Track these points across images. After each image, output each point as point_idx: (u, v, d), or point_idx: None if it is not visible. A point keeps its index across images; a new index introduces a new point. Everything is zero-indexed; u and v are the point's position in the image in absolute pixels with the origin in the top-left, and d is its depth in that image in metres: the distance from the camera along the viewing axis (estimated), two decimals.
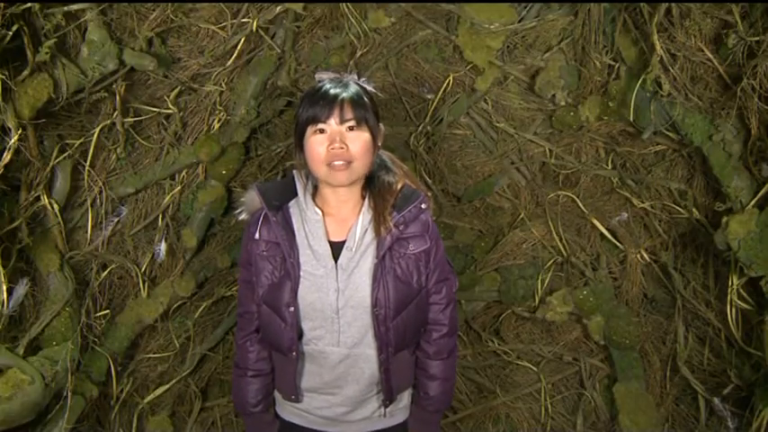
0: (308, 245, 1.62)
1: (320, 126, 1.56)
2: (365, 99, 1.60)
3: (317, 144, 1.56)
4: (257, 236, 1.64)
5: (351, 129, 1.56)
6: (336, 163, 1.55)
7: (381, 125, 1.67)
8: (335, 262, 1.60)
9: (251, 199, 1.70)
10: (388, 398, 1.70)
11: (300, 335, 1.65)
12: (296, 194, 1.68)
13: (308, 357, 1.67)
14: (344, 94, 1.56)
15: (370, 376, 1.67)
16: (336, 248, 1.62)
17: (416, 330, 1.71)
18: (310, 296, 1.60)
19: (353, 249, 1.61)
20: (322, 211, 1.64)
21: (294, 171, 1.70)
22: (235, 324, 3.01)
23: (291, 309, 1.60)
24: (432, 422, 1.81)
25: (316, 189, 1.68)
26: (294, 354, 1.64)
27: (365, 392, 1.69)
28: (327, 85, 1.59)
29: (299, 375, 1.69)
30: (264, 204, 1.63)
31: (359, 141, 1.56)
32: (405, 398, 1.78)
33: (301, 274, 1.60)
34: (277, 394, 1.79)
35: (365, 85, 1.66)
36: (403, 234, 1.62)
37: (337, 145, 1.54)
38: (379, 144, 1.66)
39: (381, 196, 1.64)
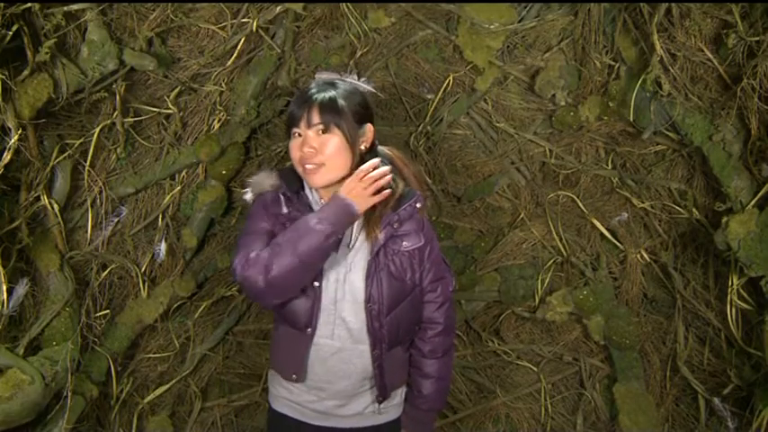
0: None
1: (295, 129, 1.62)
2: (340, 102, 1.60)
3: (295, 147, 1.63)
4: (285, 210, 1.65)
5: (322, 131, 1.60)
6: (308, 166, 1.60)
7: (368, 126, 1.67)
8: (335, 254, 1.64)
9: (261, 180, 1.73)
10: (382, 394, 1.71)
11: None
12: (302, 184, 1.71)
13: None
14: (317, 97, 1.60)
15: (362, 372, 1.68)
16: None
17: (410, 327, 1.73)
18: (326, 275, 1.64)
19: (349, 246, 1.65)
20: None
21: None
22: (235, 323, 3.04)
23: (316, 283, 1.62)
24: (425, 421, 1.81)
25: None
26: (310, 330, 1.64)
27: (356, 388, 1.70)
28: (311, 88, 1.65)
29: (308, 353, 1.67)
30: (286, 187, 1.67)
31: (329, 144, 1.59)
32: (398, 395, 1.79)
33: None
34: (273, 387, 1.79)
35: (359, 85, 1.69)
36: (397, 232, 1.66)
37: (306, 149, 1.59)
38: (362, 147, 1.66)
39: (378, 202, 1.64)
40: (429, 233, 1.73)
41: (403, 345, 1.74)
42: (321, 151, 1.59)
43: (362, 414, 1.73)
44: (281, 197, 1.67)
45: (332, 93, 1.62)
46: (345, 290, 1.63)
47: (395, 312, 1.65)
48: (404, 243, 1.67)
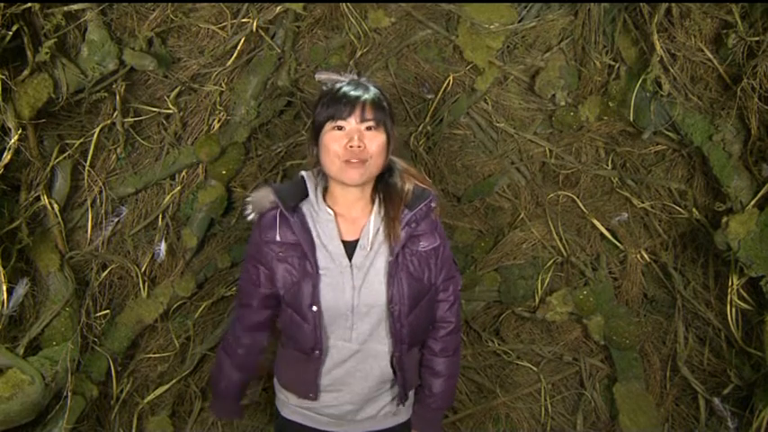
0: (321, 244, 1.63)
1: (339, 123, 1.58)
2: (384, 103, 1.63)
3: (334, 140, 1.58)
4: (278, 238, 1.63)
5: (369, 129, 1.59)
6: (352, 160, 1.57)
7: (396, 130, 1.69)
8: (350, 260, 1.62)
9: (260, 198, 1.70)
10: (403, 394, 1.72)
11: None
12: (306, 195, 1.69)
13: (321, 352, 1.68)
14: (366, 96, 1.60)
15: (380, 374, 1.68)
16: (349, 248, 1.64)
17: (427, 327, 1.74)
18: (327, 295, 1.62)
19: (368, 248, 1.63)
20: (333, 212, 1.66)
21: (304, 172, 1.72)
22: None
23: (314, 308, 1.61)
24: (435, 420, 1.83)
25: (325, 190, 1.70)
26: (317, 352, 1.64)
27: (373, 390, 1.70)
28: (347, 87, 1.62)
29: (319, 374, 1.68)
30: (282, 206, 1.63)
31: (376, 141, 1.59)
32: (410, 396, 1.80)
33: (320, 272, 1.62)
34: (282, 394, 1.79)
35: (381, 88, 1.70)
36: (415, 232, 1.66)
37: (355, 143, 1.56)
38: (393, 147, 1.68)
39: (392, 201, 1.66)
40: (442, 232, 1.74)
41: (419, 345, 1.75)
42: (369, 148, 1.58)
43: (375, 417, 1.74)
44: (277, 219, 1.65)
45: (376, 92, 1.63)
46: (363, 293, 1.62)
47: (415, 312, 1.65)
48: (421, 243, 1.67)
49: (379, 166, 1.63)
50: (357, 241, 1.64)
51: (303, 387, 1.70)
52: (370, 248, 1.63)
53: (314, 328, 1.62)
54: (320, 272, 1.61)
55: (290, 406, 1.76)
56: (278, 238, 1.63)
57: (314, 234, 1.64)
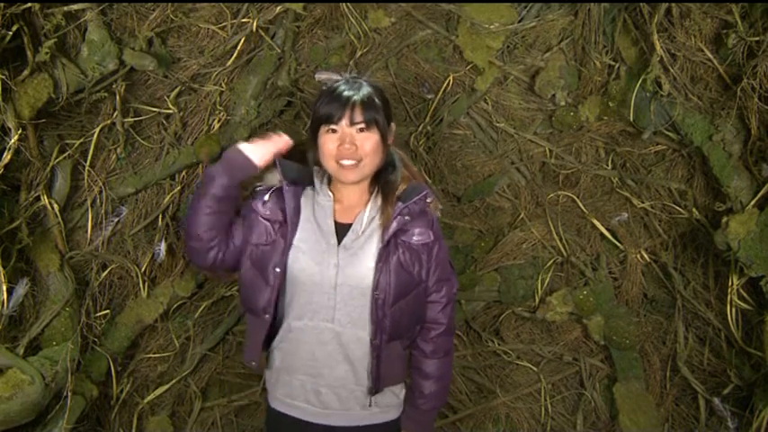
0: (314, 220, 1.69)
1: (332, 126, 1.64)
2: (376, 101, 1.66)
3: (329, 142, 1.64)
4: (266, 198, 1.70)
5: (361, 130, 1.63)
6: (346, 162, 1.63)
7: (393, 124, 1.74)
8: (339, 241, 1.66)
9: (271, 177, 1.76)
10: (376, 386, 1.72)
11: (278, 301, 1.69)
12: (311, 181, 1.75)
13: (303, 332, 1.69)
14: (356, 97, 1.63)
15: (361, 360, 1.69)
16: (342, 230, 1.68)
17: (412, 323, 1.74)
18: (311, 269, 1.65)
19: (359, 232, 1.67)
20: (333, 196, 1.72)
21: (316, 167, 1.77)
22: (235, 324, 3.03)
23: (278, 270, 1.65)
24: (425, 422, 1.82)
25: (330, 179, 1.75)
26: (267, 316, 1.68)
27: (354, 378, 1.70)
28: (342, 87, 1.66)
29: (262, 339, 1.71)
30: (281, 174, 1.69)
31: (368, 142, 1.64)
32: (398, 395, 1.80)
33: (303, 246, 1.66)
34: (270, 383, 1.80)
35: (378, 85, 1.72)
36: (408, 224, 1.69)
37: (347, 146, 1.62)
38: (390, 142, 1.73)
39: (387, 192, 1.71)
40: (438, 232, 1.76)
41: (402, 340, 1.75)
42: (361, 148, 1.63)
43: (361, 413, 1.74)
44: (270, 191, 1.70)
45: (368, 91, 1.66)
46: (347, 275, 1.65)
47: (399, 304, 1.67)
48: (414, 237, 1.69)
49: (375, 164, 1.68)
50: (350, 225, 1.69)
51: (250, 351, 1.73)
52: (362, 233, 1.67)
53: (271, 291, 1.66)
54: (299, 243, 1.66)
55: (278, 398, 1.77)
56: (266, 198, 1.69)
57: (308, 211, 1.70)
